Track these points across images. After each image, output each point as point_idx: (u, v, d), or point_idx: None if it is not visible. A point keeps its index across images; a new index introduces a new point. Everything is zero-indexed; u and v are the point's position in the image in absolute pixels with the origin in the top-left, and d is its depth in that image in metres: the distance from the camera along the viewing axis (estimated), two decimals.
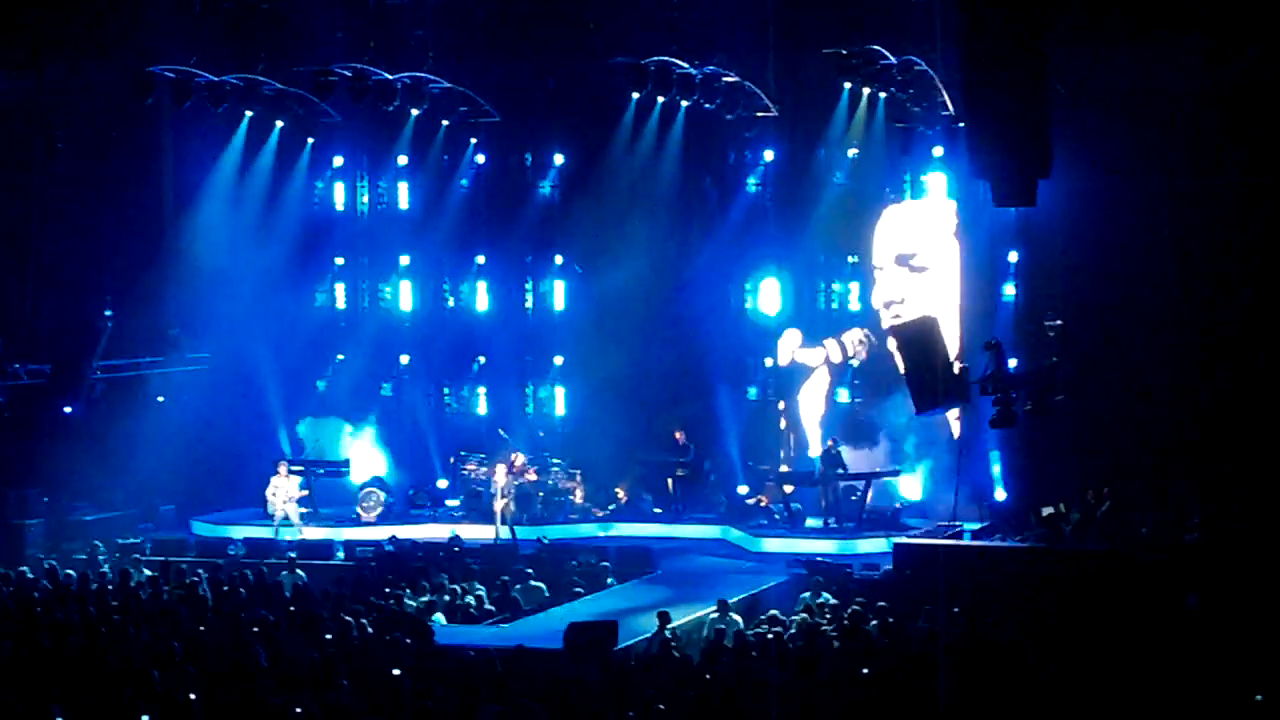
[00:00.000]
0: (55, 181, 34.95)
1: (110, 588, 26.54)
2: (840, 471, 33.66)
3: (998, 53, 19.06)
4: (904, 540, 30.16)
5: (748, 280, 36.86)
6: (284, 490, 33.87)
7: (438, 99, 35.66)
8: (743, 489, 35.66)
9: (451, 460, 37.04)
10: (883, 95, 33.40)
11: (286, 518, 33.70)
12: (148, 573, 28.34)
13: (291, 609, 24.85)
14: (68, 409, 32.79)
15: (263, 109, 35.43)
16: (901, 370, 28.83)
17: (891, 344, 31.65)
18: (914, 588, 26.04)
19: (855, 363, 35.53)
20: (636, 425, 36.21)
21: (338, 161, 38.31)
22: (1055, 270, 33.44)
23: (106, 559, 30.56)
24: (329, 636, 22.33)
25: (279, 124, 36.48)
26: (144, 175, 36.49)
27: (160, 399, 35.98)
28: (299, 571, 28.55)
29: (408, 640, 22.09)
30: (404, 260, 38.78)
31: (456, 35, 35.61)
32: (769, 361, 36.60)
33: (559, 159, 37.95)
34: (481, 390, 38.50)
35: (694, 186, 37.02)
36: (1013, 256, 33.88)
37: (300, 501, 34.08)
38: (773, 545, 32.79)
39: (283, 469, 34.24)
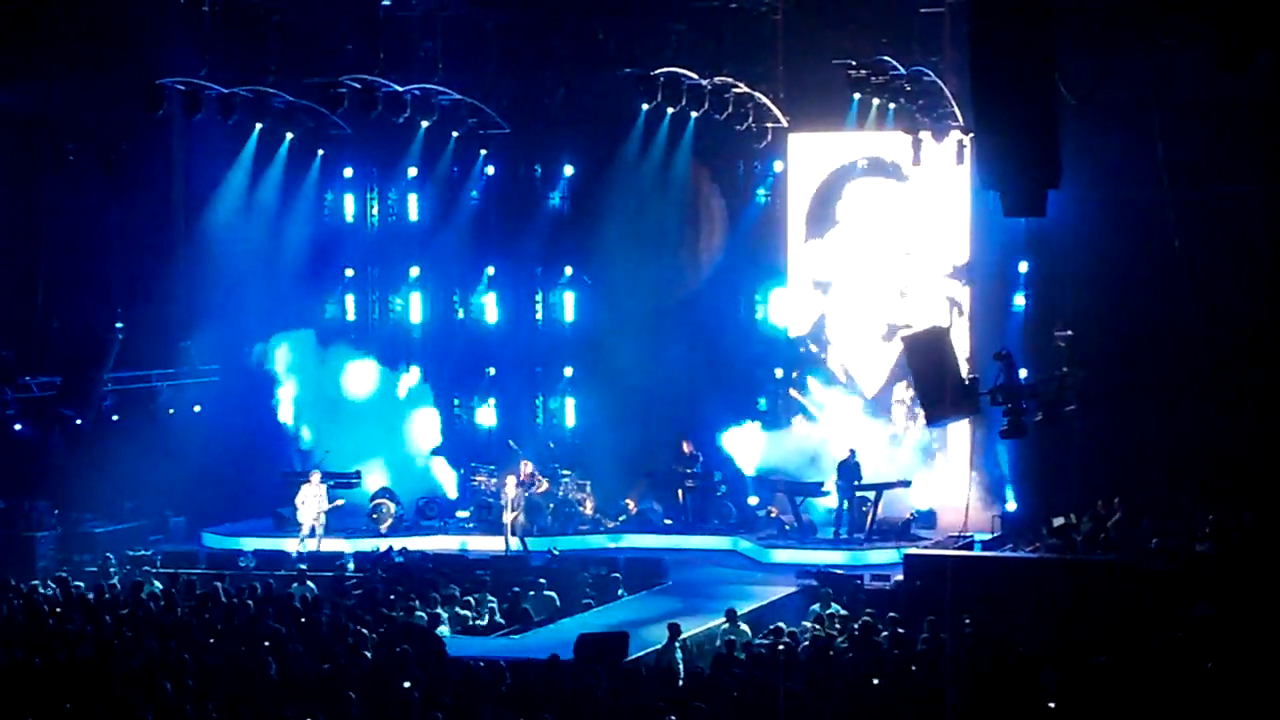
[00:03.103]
0: (65, 194, 34.95)
1: (121, 599, 26.52)
2: (856, 482, 33.61)
3: (1007, 63, 19.05)
4: (915, 551, 30.14)
5: (758, 291, 36.90)
6: (314, 502, 33.82)
7: (447, 111, 35.69)
8: (753, 499, 35.66)
9: (461, 472, 37.07)
10: (892, 106, 33.39)
11: (314, 529, 33.70)
12: (158, 585, 28.32)
13: (302, 621, 24.85)
14: (78, 421, 32.82)
15: (273, 121, 35.45)
16: (911, 381, 28.86)
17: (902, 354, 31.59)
18: (925, 599, 26.02)
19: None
20: (647, 436, 36.22)
21: (348, 173, 38.37)
22: (1065, 280, 33.44)
23: (117, 571, 30.55)
24: (339, 649, 22.32)
25: (289, 136, 36.52)
26: (154, 188, 36.50)
27: (171, 411, 35.98)
28: (309, 583, 28.53)
29: (417, 652, 22.06)
30: (414, 272, 38.84)
31: (466, 47, 35.63)
32: (779, 372, 36.60)
33: (569, 170, 38.04)
34: (491, 401, 38.53)
35: (704, 197, 37.04)
36: (1023, 267, 33.90)
37: (328, 513, 34.06)
38: (783, 556, 32.78)
39: (314, 478, 34.18)
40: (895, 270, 35.47)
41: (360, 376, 37.41)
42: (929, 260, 35.12)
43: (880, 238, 35.61)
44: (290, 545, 33.36)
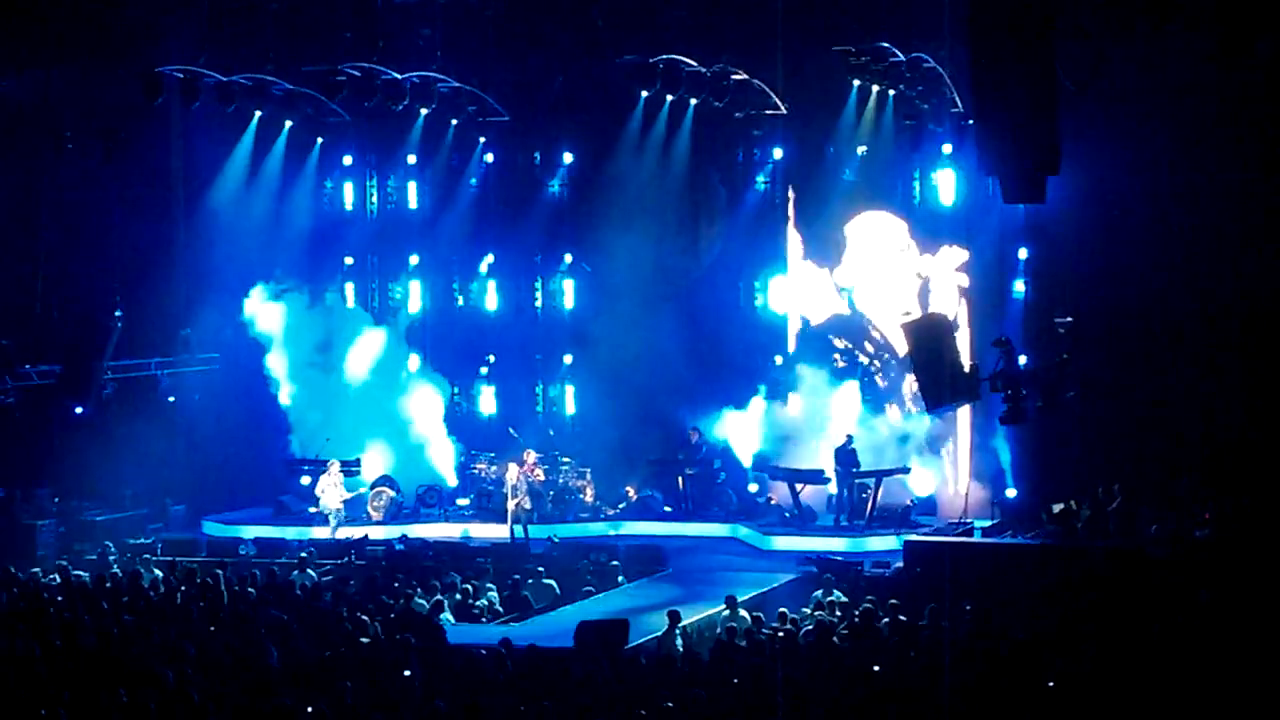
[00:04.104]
0: (64, 182, 34.95)
1: (122, 588, 26.53)
2: (855, 469, 33.63)
3: (1006, 49, 19.05)
4: (915, 538, 30.15)
5: (757, 278, 36.90)
6: (334, 491, 33.94)
7: (446, 98, 35.69)
8: (753, 487, 35.69)
9: (461, 459, 37.07)
10: (891, 92, 33.40)
11: (340, 517, 33.83)
12: (158, 573, 28.34)
13: (303, 609, 24.86)
14: (78, 409, 32.85)
15: (272, 109, 35.46)
16: (911, 368, 28.83)
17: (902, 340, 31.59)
18: (925, 585, 26.04)
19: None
20: (647, 424, 36.22)
21: (347, 161, 38.34)
22: (1065, 267, 33.42)
23: (117, 559, 30.58)
24: (339, 637, 22.34)
25: (288, 124, 36.55)
26: (153, 176, 36.50)
27: (171, 399, 36.01)
28: (309, 571, 28.57)
29: (418, 640, 22.09)
30: (413, 260, 38.81)
31: (465, 34, 35.61)
32: (779, 359, 36.59)
33: (568, 158, 37.99)
34: (491, 389, 38.51)
35: (703, 184, 37.04)
36: (1023, 253, 33.86)
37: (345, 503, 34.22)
38: (783, 543, 32.81)
39: (333, 468, 34.26)
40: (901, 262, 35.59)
41: (365, 350, 37.36)
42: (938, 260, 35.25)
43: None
44: (321, 533, 33.59)
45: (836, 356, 36.12)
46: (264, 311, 36.97)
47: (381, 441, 36.89)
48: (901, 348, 34.97)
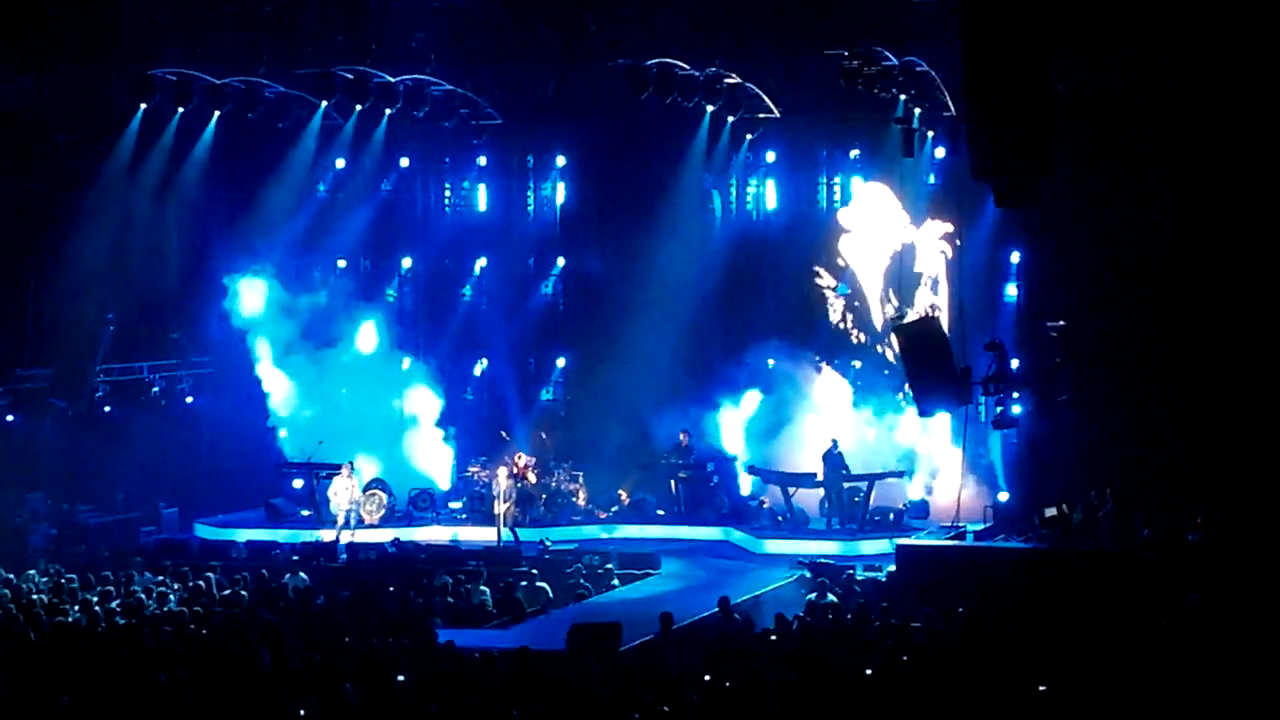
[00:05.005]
0: (57, 185, 34.91)
1: (114, 591, 26.52)
2: (843, 473, 33.63)
3: (999, 53, 19.06)
4: (907, 541, 30.16)
5: (750, 281, 36.93)
6: (345, 493, 33.92)
7: (439, 101, 35.68)
8: (745, 490, 35.68)
9: (454, 463, 37.05)
10: (884, 96, 33.39)
11: (348, 520, 33.78)
12: (150, 575, 28.32)
13: (294, 611, 24.85)
14: (70, 411, 32.83)
15: (264, 112, 35.41)
16: (904, 371, 28.86)
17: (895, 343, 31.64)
18: (917, 589, 26.05)
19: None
20: (639, 427, 36.22)
21: (340, 164, 38.32)
22: (1057, 271, 33.48)
23: (109, 562, 30.54)
24: (331, 639, 22.33)
25: (280, 127, 36.52)
26: (145, 178, 36.44)
27: (163, 402, 35.94)
28: (302, 574, 28.55)
29: (410, 643, 22.07)
30: (406, 262, 38.80)
31: (458, 37, 35.58)
32: (771, 362, 36.59)
33: (561, 161, 38.00)
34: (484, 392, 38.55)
35: (696, 187, 37.03)
36: (1014, 257, 33.92)
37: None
38: (776, 546, 32.81)
39: (345, 470, 34.24)
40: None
41: (358, 344, 37.31)
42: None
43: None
44: (326, 536, 33.47)
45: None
46: (249, 290, 36.82)
47: (374, 445, 36.86)
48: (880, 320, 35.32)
